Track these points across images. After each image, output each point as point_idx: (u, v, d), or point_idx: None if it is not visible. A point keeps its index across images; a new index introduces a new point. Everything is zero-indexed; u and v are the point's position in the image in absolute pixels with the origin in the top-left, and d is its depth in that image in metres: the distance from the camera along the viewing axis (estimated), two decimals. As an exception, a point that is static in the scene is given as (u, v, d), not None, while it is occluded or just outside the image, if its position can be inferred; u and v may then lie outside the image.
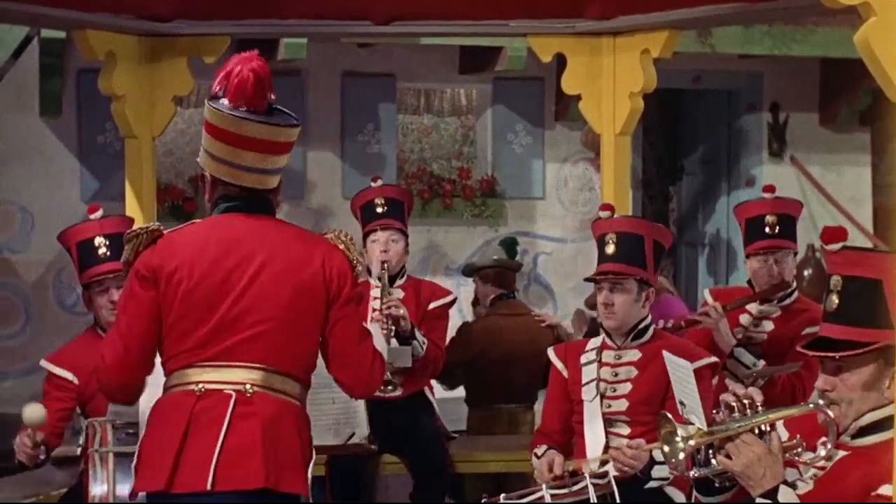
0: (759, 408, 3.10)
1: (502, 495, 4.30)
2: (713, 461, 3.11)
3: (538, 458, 4.67)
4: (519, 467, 5.69)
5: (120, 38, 5.68)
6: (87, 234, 4.87)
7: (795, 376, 4.98)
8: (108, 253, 4.82)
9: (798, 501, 3.07)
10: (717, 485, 3.23)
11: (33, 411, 4.51)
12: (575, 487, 4.18)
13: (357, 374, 3.65)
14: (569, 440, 4.78)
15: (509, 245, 7.11)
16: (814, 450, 3.21)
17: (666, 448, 3.09)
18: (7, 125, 8.17)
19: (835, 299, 3.17)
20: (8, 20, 6.55)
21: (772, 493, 3.02)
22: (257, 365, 3.50)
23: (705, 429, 3.06)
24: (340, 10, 5.67)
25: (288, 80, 8.62)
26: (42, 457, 4.64)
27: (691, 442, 3.06)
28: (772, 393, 4.96)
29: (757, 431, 3.07)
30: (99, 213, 4.90)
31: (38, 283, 8.32)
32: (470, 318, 7.15)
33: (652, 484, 4.31)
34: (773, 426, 3.11)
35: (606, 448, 4.45)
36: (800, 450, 3.18)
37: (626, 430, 4.52)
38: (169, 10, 5.62)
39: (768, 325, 5.27)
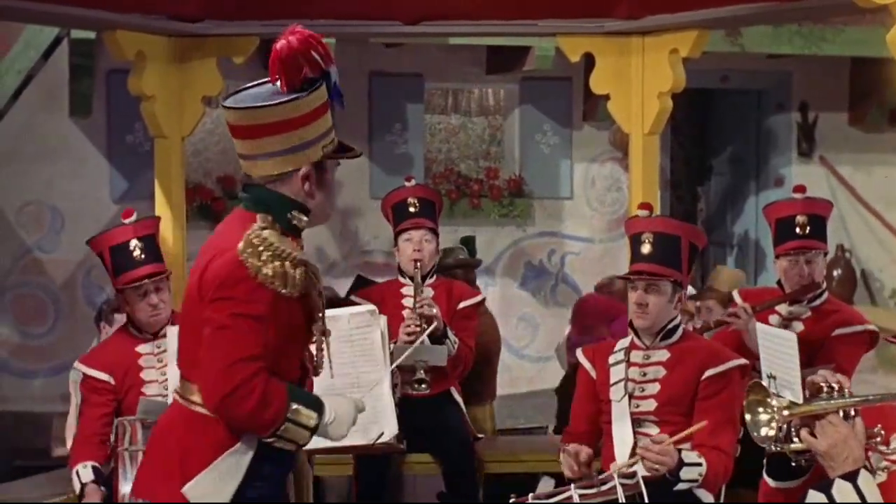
0: (847, 392, 3.07)
1: (531, 495, 4.28)
2: (795, 439, 3.07)
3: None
4: (547, 468, 5.68)
5: (149, 38, 5.70)
6: (121, 238, 4.89)
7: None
8: (143, 256, 4.84)
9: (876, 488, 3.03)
10: (793, 464, 3.18)
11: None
12: (603, 487, 4.16)
13: (204, 383, 3.35)
14: (596, 441, 4.77)
15: (469, 242, 7.19)
16: (887, 444, 3.18)
17: (748, 417, 3.04)
18: (37, 125, 8.22)
19: None
20: (39, 21, 6.60)
21: (851, 476, 2.98)
22: (181, 372, 3.53)
23: (797, 401, 3.03)
24: (369, 10, 5.68)
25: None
26: (103, 490, 4.69)
27: (785, 413, 3.02)
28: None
29: (843, 414, 3.04)
30: (133, 218, 4.92)
31: (68, 283, 8.37)
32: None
33: (681, 486, 4.28)
34: (857, 412, 3.07)
35: (635, 448, 4.44)
36: (878, 439, 3.14)
37: (654, 431, 4.50)
38: (198, 11, 5.64)
39: (798, 326, 5.23)
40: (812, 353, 5.07)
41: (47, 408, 7.75)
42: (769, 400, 3.01)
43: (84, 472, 4.71)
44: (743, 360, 4.59)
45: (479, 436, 5.91)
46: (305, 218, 3.44)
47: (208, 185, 8.87)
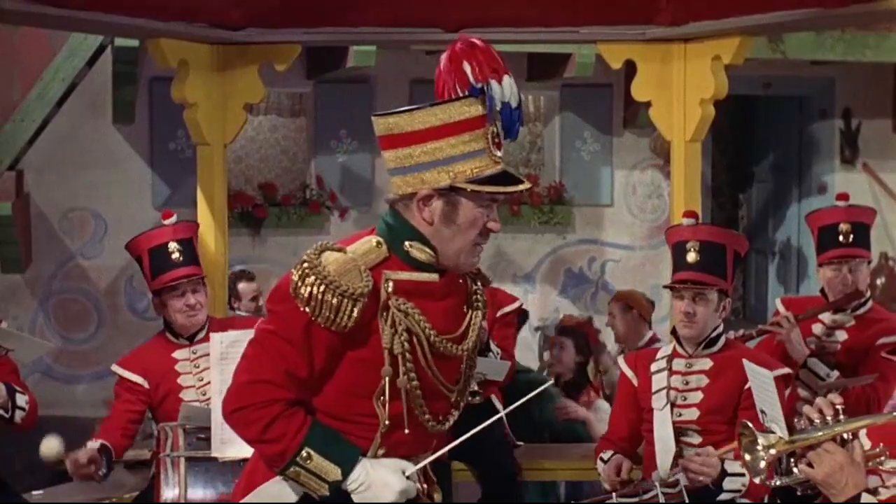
0: (841, 416, 3.06)
1: (572, 502, 4.28)
2: (795, 470, 3.07)
3: (604, 462, 4.65)
4: (586, 476, 5.66)
5: (192, 46, 5.74)
6: (160, 239, 4.92)
7: (870, 388, 4.91)
8: (182, 258, 4.87)
9: None
10: (798, 493, 3.18)
11: (49, 447, 4.57)
12: (645, 496, 4.14)
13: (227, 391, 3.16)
14: (634, 448, 4.76)
15: None
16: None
17: (748, 457, 3.05)
18: (81, 132, 8.29)
19: None
20: (83, 29, 6.65)
21: (853, 502, 2.98)
22: None
23: (787, 437, 3.03)
24: (411, 17, 5.68)
25: (356, 88, 8.68)
26: (103, 470, 4.69)
27: (773, 451, 3.02)
28: (846, 404, 4.90)
29: (839, 440, 3.03)
30: (173, 219, 4.95)
31: (111, 289, 8.43)
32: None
33: (724, 496, 4.26)
34: (855, 435, 3.07)
35: (677, 457, 4.42)
36: (883, 458, 3.13)
37: (697, 440, 4.47)
38: (240, 19, 5.67)
39: (841, 335, 5.19)
40: (856, 363, 5.03)
41: (90, 413, 7.80)
42: (758, 438, 3.02)
43: (91, 444, 4.73)
44: (786, 369, 4.56)
45: (519, 443, 5.90)
46: (430, 251, 3.03)
47: (249, 191, 8.91)
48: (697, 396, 4.53)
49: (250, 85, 5.89)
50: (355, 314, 2.95)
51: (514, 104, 3.00)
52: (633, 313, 6.86)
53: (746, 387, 4.45)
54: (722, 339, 4.62)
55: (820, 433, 3.01)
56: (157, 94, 8.03)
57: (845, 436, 3.04)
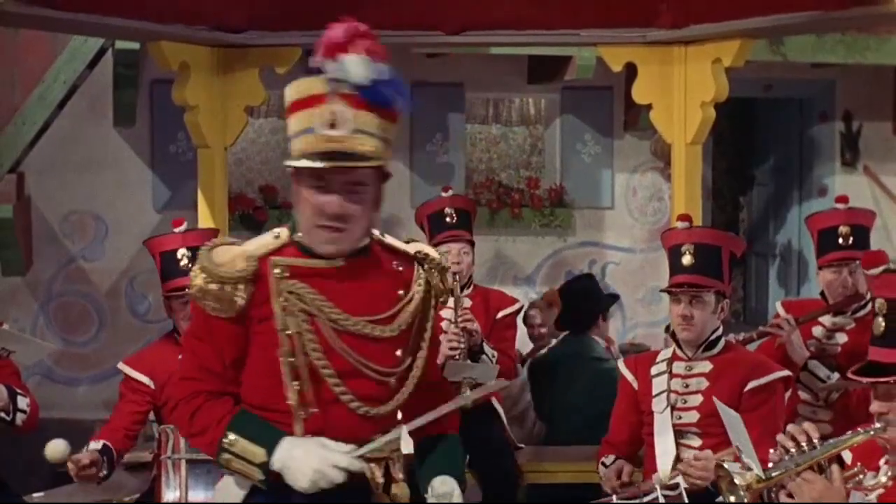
0: (816, 442, 3.08)
1: (572, 505, 4.29)
2: (778, 502, 3.09)
3: (606, 467, 4.66)
4: (587, 478, 5.66)
5: (193, 49, 5.74)
6: (170, 245, 4.95)
7: (871, 389, 4.90)
8: (190, 265, 4.88)
9: None
10: None
11: (55, 450, 4.57)
12: (646, 499, 4.15)
13: None
14: (635, 452, 4.76)
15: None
16: (877, 470, 3.18)
17: (732, 498, 3.07)
18: (82, 135, 8.29)
19: (881, 322, 3.14)
20: (84, 32, 6.66)
21: None
22: None
23: (762, 475, 3.05)
24: (411, 20, 5.69)
25: (357, 90, 8.68)
26: (104, 472, 4.70)
27: (751, 489, 3.05)
28: (847, 406, 4.91)
29: (816, 468, 3.05)
30: (182, 227, 4.97)
31: (112, 291, 8.43)
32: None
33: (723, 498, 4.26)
34: (831, 459, 3.08)
35: (677, 460, 4.42)
36: (861, 477, 3.15)
37: (697, 442, 4.48)
38: (241, 22, 5.68)
39: (842, 338, 5.20)
40: (856, 365, 5.03)
41: (90, 415, 7.80)
42: (735, 478, 3.03)
43: (93, 444, 4.75)
44: (786, 372, 4.57)
45: (520, 446, 5.90)
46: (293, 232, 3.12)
47: (250, 194, 8.91)
48: (697, 399, 4.53)
49: (251, 87, 5.90)
50: (238, 299, 3.02)
51: (359, 81, 2.95)
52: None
53: (746, 389, 4.47)
54: (721, 342, 4.63)
55: (795, 464, 3.04)
56: (158, 97, 8.03)
57: (822, 462, 3.06)
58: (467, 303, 5.65)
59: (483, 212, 8.72)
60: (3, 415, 4.79)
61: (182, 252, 4.89)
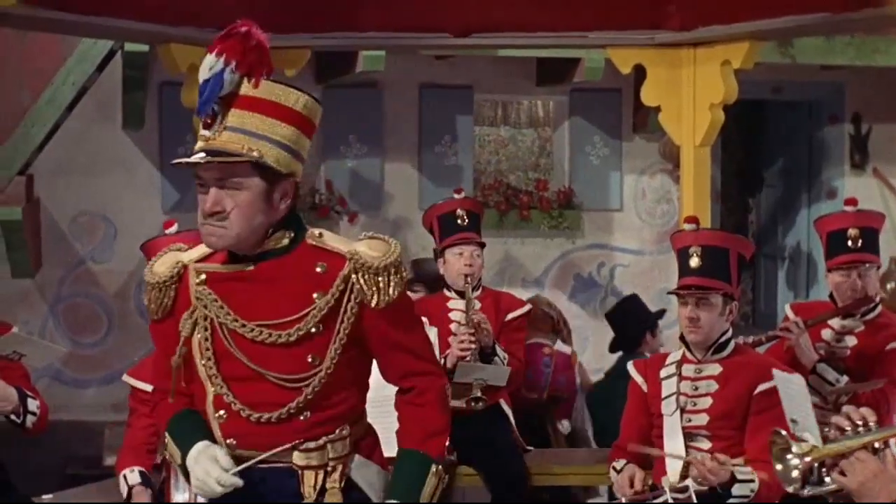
0: (872, 426, 3.05)
1: (582, 506, 4.28)
2: (827, 479, 3.05)
3: (617, 472, 4.65)
4: (596, 481, 5.66)
5: (202, 51, 5.66)
6: (160, 248, 4.90)
7: (880, 392, 4.90)
8: None
9: None
10: (830, 502, 3.17)
11: None
12: (656, 501, 4.14)
13: None
14: (646, 455, 4.75)
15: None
16: None
17: (779, 466, 3.03)
18: (91, 137, 8.30)
19: None
20: (94, 35, 6.66)
21: None
22: None
23: (820, 445, 3.01)
24: (419, 22, 5.69)
25: (366, 92, 8.69)
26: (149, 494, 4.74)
27: (807, 458, 3.01)
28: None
29: (870, 449, 3.02)
30: (174, 228, 4.95)
31: (120, 293, 8.44)
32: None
33: (733, 501, 4.26)
34: (886, 443, 3.05)
35: (687, 463, 4.42)
36: None
37: (706, 445, 4.47)
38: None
39: (851, 341, 5.19)
40: (866, 368, 5.02)
41: (99, 417, 7.83)
42: (791, 447, 3.00)
43: (131, 475, 4.76)
44: (796, 375, 4.55)
45: (528, 448, 5.90)
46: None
47: (258, 195, 8.92)
48: (707, 402, 4.52)
49: (259, 90, 5.88)
50: (164, 302, 3.15)
51: (204, 78, 3.05)
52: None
53: (756, 392, 4.46)
54: (731, 344, 4.62)
55: (852, 441, 2.99)
56: (167, 99, 8.04)
57: (877, 445, 3.03)
58: (477, 305, 5.65)
59: (491, 214, 8.72)
60: (13, 417, 4.79)
61: None
